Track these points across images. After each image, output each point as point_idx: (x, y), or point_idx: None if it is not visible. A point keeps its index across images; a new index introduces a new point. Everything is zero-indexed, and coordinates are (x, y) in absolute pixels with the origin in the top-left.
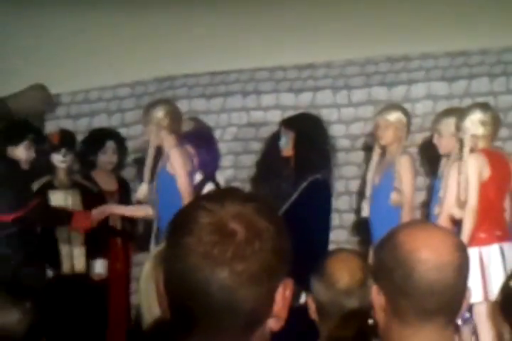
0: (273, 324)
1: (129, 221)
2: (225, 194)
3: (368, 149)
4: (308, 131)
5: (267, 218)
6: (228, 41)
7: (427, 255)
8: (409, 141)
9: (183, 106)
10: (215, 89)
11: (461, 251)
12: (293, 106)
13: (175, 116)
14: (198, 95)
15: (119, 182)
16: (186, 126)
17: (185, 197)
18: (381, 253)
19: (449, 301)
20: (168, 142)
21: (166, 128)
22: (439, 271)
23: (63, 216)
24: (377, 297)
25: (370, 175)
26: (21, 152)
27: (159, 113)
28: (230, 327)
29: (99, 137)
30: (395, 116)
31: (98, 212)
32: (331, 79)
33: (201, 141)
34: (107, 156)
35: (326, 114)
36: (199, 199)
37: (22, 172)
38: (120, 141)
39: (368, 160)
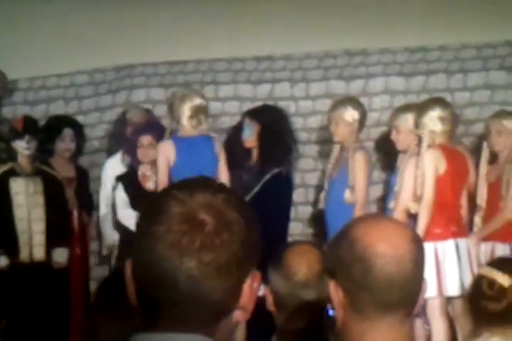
0: (239, 316)
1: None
2: (196, 184)
3: (324, 142)
4: (274, 123)
5: (237, 209)
6: (187, 31)
7: (384, 248)
8: (365, 135)
9: (140, 95)
10: (173, 78)
11: (417, 242)
12: (251, 97)
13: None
14: (156, 84)
15: (77, 170)
16: (140, 117)
17: None
18: (337, 250)
19: (407, 293)
20: None
21: None
22: (398, 263)
23: None
24: (335, 293)
25: (329, 169)
26: None
27: None
28: (196, 318)
29: (56, 124)
30: (346, 111)
31: None
32: (289, 71)
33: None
34: (64, 143)
35: (284, 107)
36: (170, 188)
37: None
38: (78, 129)
39: (323, 153)
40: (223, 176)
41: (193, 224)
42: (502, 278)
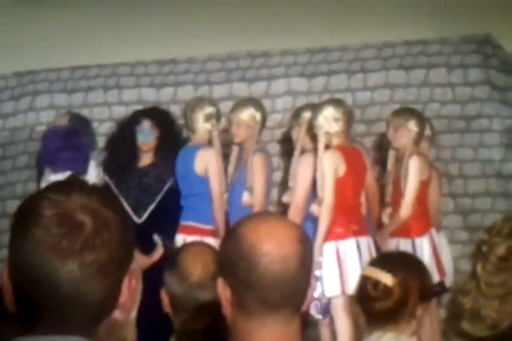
0: (118, 314)
1: None
2: (70, 185)
3: (228, 144)
4: (171, 126)
5: (112, 209)
6: (89, 36)
7: (269, 248)
8: (269, 136)
9: (44, 101)
10: (76, 83)
11: (304, 242)
12: (154, 101)
13: None
14: (59, 90)
15: None
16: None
17: None
18: (225, 247)
19: (292, 293)
20: None
21: None
22: (282, 263)
23: None
24: (223, 290)
25: (230, 171)
26: None
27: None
28: (77, 319)
29: None
30: (246, 113)
31: None
32: (192, 74)
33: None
34: None
35: None
36: (44, 190)
37: None
38: None
39: (227, 155)
40: (213, 188)
41: (72, 226)
42: (386, 278)
